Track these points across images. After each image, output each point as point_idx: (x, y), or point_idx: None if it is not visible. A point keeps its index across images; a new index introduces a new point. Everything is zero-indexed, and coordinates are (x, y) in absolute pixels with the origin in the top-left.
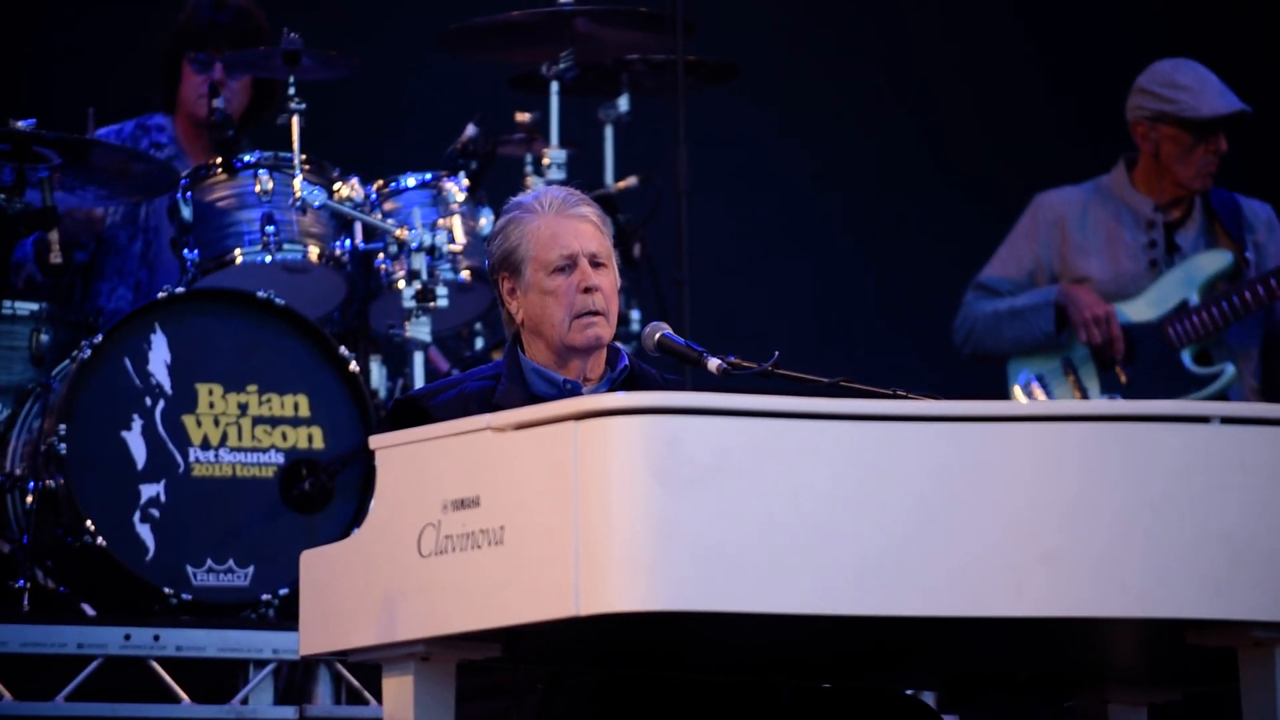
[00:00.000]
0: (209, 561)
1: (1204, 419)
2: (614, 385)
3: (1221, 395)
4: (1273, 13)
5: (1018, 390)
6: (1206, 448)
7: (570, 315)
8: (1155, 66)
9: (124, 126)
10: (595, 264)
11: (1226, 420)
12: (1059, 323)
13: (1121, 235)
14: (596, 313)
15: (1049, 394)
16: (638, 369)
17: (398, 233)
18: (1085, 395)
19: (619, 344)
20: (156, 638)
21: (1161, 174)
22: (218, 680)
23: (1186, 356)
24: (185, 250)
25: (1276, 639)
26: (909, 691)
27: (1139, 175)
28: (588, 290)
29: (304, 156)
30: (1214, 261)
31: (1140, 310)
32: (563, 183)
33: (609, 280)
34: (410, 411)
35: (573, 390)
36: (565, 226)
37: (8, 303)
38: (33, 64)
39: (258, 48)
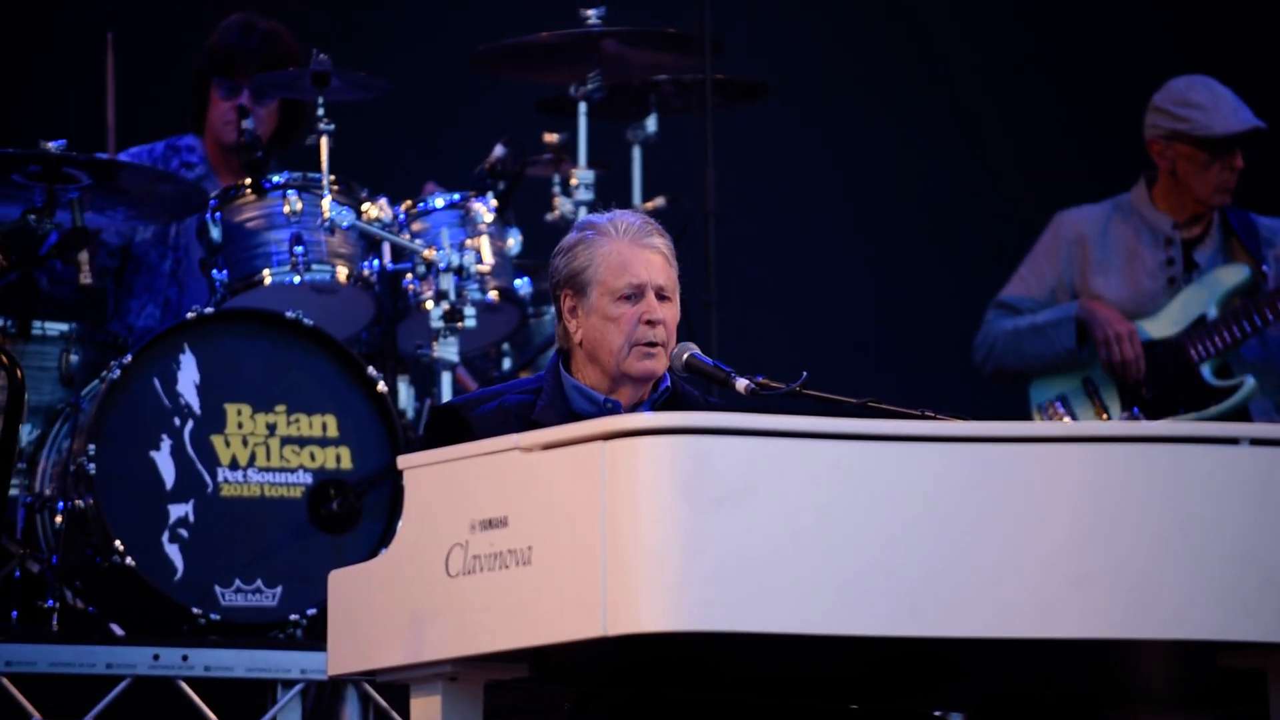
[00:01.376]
0: (237, 582)
1: (1234, 440)
2: (655, 406)
3: (1242, 408)
4: None
5: (1037, 412)
6: (1236, 469)
7: (629, 344)
8: (1170, 84)
9: (155, 146)
10: (661, 296)
11: (1256, 442)
12: (1080, 338)
13: (1141, 253)
14: (655, 344)
15: (1071, 414)
16: (680, 390)
17: (426, 253)
18: (1108, 415)
19: None
20: (185, 658)
21: (1180, 191)
22: (246, 700)
23: (1207, 371)
24: (214, 270)
25: None
26: (937, 713)
27: (1158, 193)
28: (650, 323)
29: (332, 177)
30: (1232, 276)
31: (1160, 327)
32: (590, 204)
33: (672, 314)
34: (451, 419)
35: (613, 409)
36: (636, 255)
37: (38, 323)
38: (63, 85)
39: (286, 69)
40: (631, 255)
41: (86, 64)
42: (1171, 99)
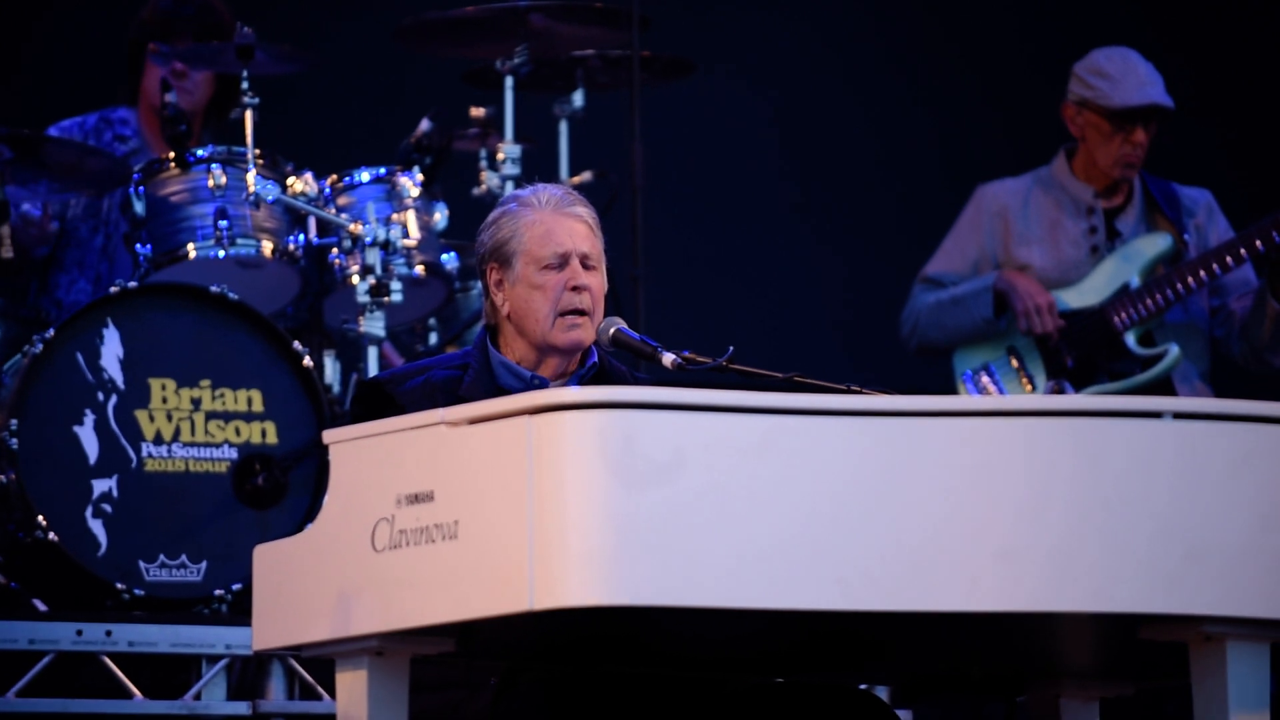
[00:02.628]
0: (161, 557)
1: (1156, 414)
2: (582, 381)
3: (1166, 376)
4: (1221, 5)
5: (962, 383)
6: (1159, 443)
7: (555, 311)
8: (1091, 53)
9: (87, 119)
10: (586, 265)
11: (1179, 415)
12: (998, 308)
13: (1063, 222)
14: (581, 312)
15: (998, 384)
16: (607, 365)
17: (352, 228)
18: (1033, 383)
19: None
20: (109, 633)
21: (1092, 159)
22: (170, 676)
23: (1130, 339)
24: (138, 245)
25: (1228, 634)
26: (864, 686)
27: (1078, 163)
28: (576, 289)
29: (257, 151)
30: (1154, 245)
31: (1083, 296)
32: (517, 179)
33: (598, 282)
34: (376, 395)
35: (539, 385)
36: (560, 224)
37: None
38: None
39: (218, 41)
40: (555, 224)
41: (14, 36)
42: (1087, 67)
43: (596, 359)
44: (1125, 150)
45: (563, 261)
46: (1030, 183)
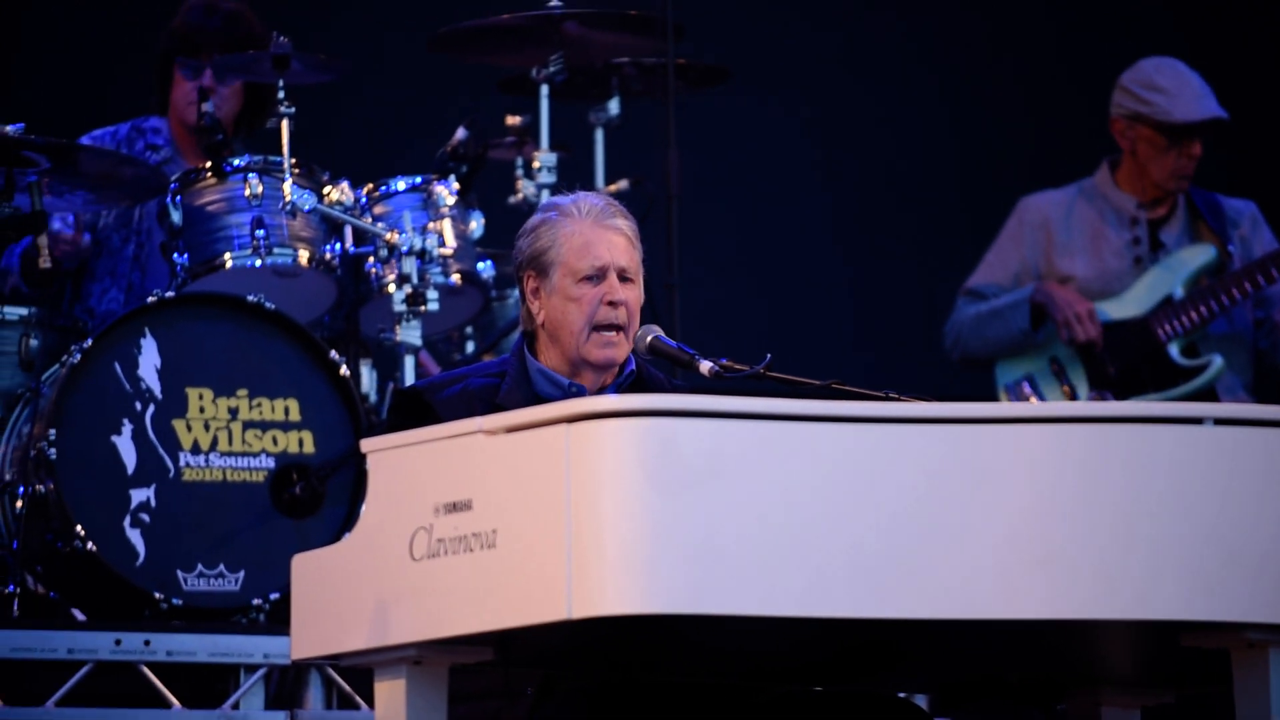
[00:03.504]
0: (199, 566)
1: (1198, 420)
2: (620, 389)
3: (1209, 387)
4: (1257, 14)
5: (1004, 393)
6: (1201, 450)
7: (589, 325)
8: (1139, 65)
9: (120, 128)
10: (624, 278)
11: (1220, 422)
12: (1035, 320)
13: (1106, 234)
14: (617, 328)
15: (1039, 394)
16: (645, 373)
17: (388, 236)
18: (1074, 393)
19: None
20: (147, 643)
21: (1142, 172)
22: (208, 685)
23: (1174, 350)
24: (175, 254)
25: (1270, 640)
26: (902, 695)
27: (1122, 175)
28: (612, 304)
29: (294, 160)
30: (1198, 255)
31: (1126, 307)
32: (553, 187)
33: (634, 296)
34: (414, 403)
35: (577, 392)
36: (599, 236)
37: None
38: (22, 67)
39: (247, 51)
40: (594, 236)
41: (47, 46)
42: (1138, 80)
43: (634, 367)
44: (1182, 163)
45: (600, 275)
46: (1074, 194)
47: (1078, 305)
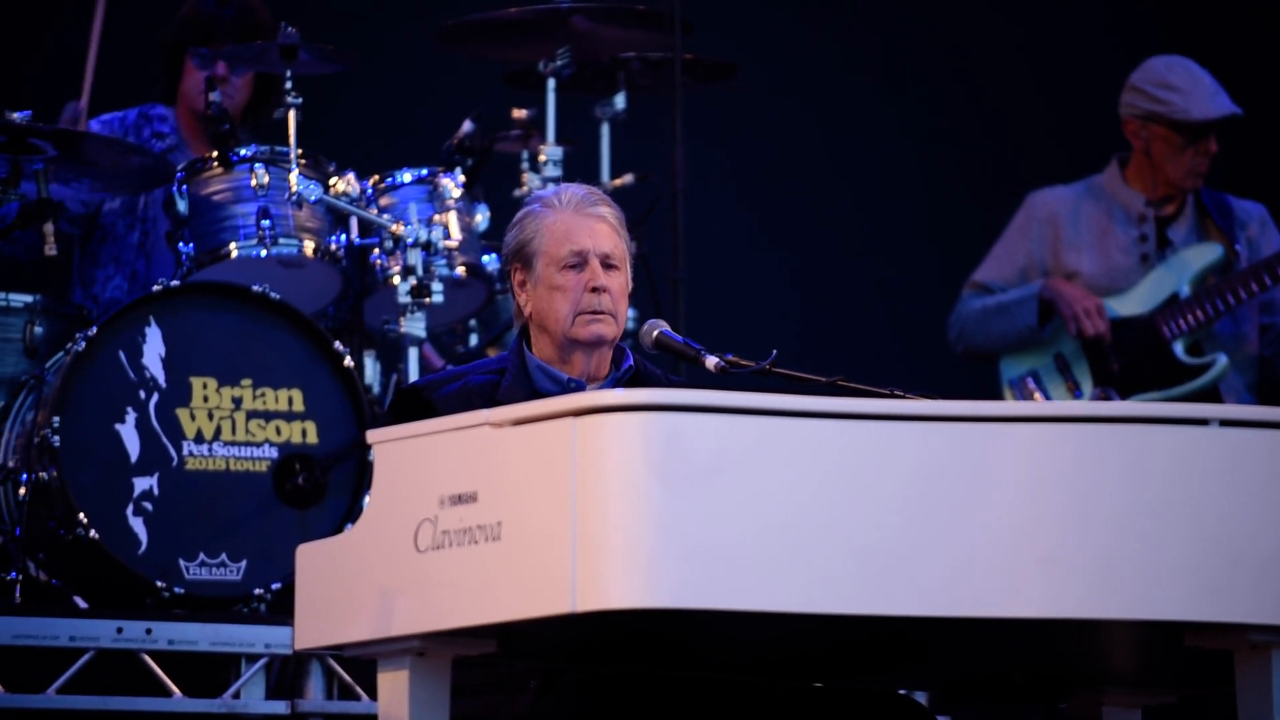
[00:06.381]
0: (201, 555)
1: (1203, 421)
2: (618, 384)
3: (1213, 386)
4: (1266, 11)
5: (1008, 389)
6: (1205, 450)
7: (574, 312)
8: (1149, 64)
9: (127, 114)
10: (607, 265)
11: (1225, 423)
12: (1043, 316)
13: (1113, 230)
14: (601, 312)
15: (1044, 391)
16: (643, 369)
17: (393, 228)
18: (1078, 390)
19: (624, 345)
20: (149, 631)
21: (1154, 171)
22: (209, 674)
23: (1179, 348)
24: (180, 243)
25: (1273, 642)
26: (902, 692)
27: (1131, 172)
28: (595, 290)
29: (300, 151)
30: (1204, 254)
31: (1132, 304)
32: (558, 181)
33: (618, 282)
34: (414, 401)
35: (577, 388)
36: (580, 224)
37: (1, 294)
38: (29, 55)
39: (255, 42)
40: (575, 224)
41: (56, 32)
42: (1150, 80)
43: (631, 362)
44: (1198, 161)
45: (582, 261)
46: (1082, 190)
47: (1086, 300)
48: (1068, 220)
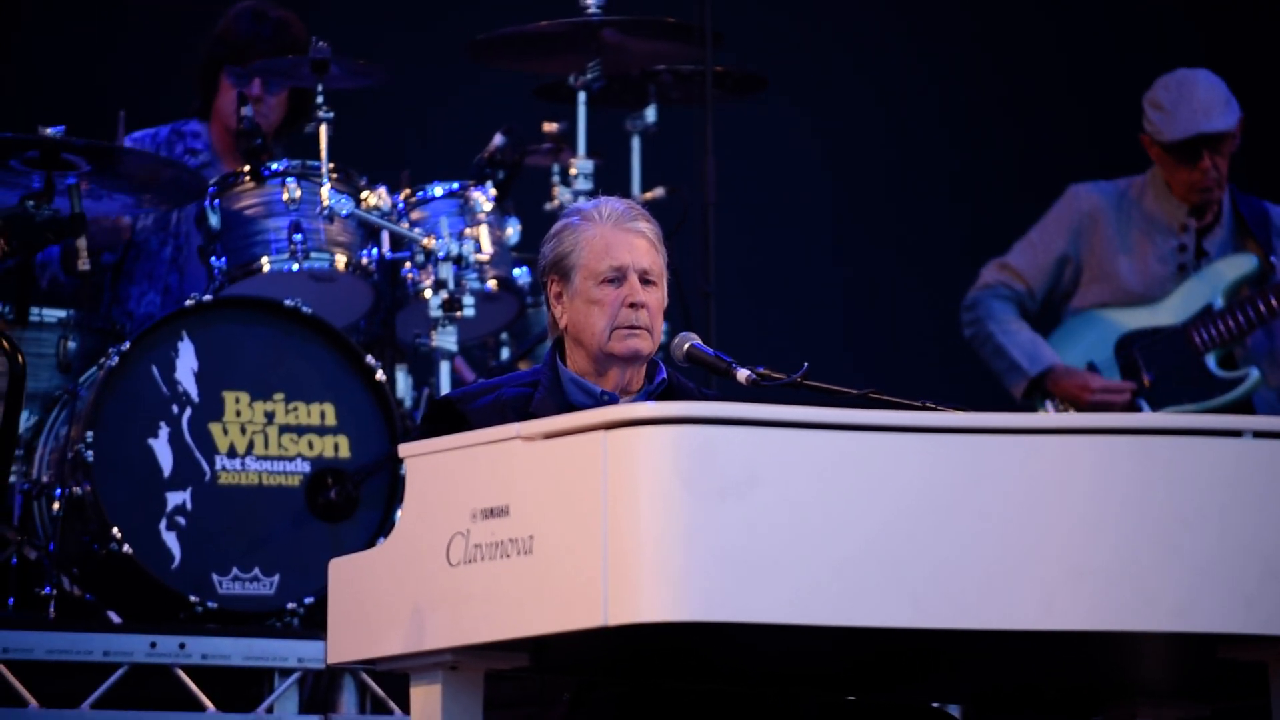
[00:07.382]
0: (235, 570)
1: (1236, 433)
2: (651, 397)
3: (1246, 399)
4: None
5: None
6: (1239, 462)
7: (611, 327)
8: (1157, 80)
9: (159, 131)
10: (645, 280)
11: (1259, 434)
12: (1030, 391)
13: (1154, 237)
14: (638, 327)
15: None
16: (676, 382)
17: (425, 242)
18: None
19: (657, 358)
20: (182, 645)
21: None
22: (243, 688)
23: (1211, 361)
24: (213, 258)
25: None
26: (935, 705)
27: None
28: (633, 305)
29: (331, 165)
30: (1238, 266)
31: (1164, 315)
32: (589, 194)
33: (656, 298)
34: (447, 413)
35: (610, 402)
36: (619, 239)
37: (35, 310)
38: (62, 70)
39: (286, 57)
40: (614, 239)
41: (90, 48)
42: (1148, 98)
43: (665, 375)
44: (1195, 177)
45: (620, 276)
46: (1124, 189)
47: (1093, 382)
48: (1109, 219)
